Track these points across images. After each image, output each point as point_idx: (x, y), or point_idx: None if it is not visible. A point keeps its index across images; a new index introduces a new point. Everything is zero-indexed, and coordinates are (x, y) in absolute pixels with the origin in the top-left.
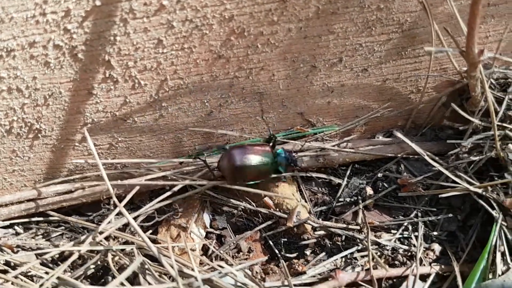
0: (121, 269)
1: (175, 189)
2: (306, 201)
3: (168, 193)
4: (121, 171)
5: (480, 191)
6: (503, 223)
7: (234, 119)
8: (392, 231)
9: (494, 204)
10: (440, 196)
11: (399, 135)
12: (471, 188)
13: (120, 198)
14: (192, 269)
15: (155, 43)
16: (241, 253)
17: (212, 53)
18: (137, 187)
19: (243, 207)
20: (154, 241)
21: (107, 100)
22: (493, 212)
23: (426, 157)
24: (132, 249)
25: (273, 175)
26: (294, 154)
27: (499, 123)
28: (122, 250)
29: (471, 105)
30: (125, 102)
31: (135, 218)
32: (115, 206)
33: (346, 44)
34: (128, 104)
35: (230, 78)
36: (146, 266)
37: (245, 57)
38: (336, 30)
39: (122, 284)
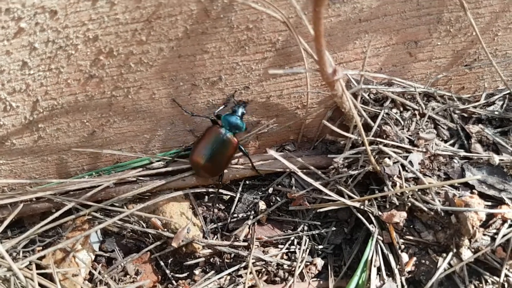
0: None
1: (58, 212)
2: (198, 219)
3: (53, 216)
4: (10, 194)
5: (358, 205)
6: (379, 237)
7: (121, 138)
8: (280, 245)
9: (372, 218)
10: (320, 210)
11: (271, 152)
12: (348, 202)
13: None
14: None
15: (20, 65)
16: (127, 276)
17: (82, 73)
18: (16, 211)
19: (131, 229)
20: (39, 266)
21: None
22: (370, 226)
23: (299, 173)
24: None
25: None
26: (236, 106)
27: (373, 138)
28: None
29: (348, 120)
30: None
31: (20, 242)
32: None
33: (222, 63)
34: (3, 126)
35: (108, 97)
36: None
37: (120, 76)
38: (209, 49)
39: None
